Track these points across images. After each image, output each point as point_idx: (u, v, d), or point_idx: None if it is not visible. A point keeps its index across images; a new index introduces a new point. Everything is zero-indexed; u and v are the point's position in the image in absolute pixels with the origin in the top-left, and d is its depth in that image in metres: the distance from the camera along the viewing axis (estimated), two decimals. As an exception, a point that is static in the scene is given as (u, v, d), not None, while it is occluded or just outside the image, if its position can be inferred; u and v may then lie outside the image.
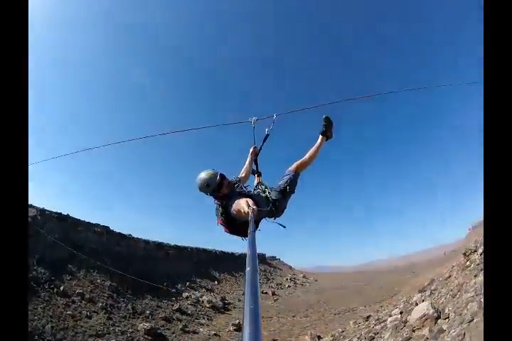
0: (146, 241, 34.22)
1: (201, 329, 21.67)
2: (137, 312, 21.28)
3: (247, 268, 1.01)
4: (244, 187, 3.73)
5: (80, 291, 20.02)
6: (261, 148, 4.45)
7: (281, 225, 3.52)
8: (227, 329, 22.13)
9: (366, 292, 38.10)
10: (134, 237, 32.80)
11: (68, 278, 20.86)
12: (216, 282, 37.33)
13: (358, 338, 15.78)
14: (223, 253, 47.97)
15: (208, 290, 33.60)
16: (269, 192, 3.75)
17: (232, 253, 49.57)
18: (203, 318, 24.74)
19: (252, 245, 1.28)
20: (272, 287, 43.87)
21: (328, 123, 4.22)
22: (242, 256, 48.19)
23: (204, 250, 44.12)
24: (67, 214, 26.75)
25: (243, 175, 4.31)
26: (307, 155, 4.06)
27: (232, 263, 45.13)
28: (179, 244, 39.45)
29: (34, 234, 21.55)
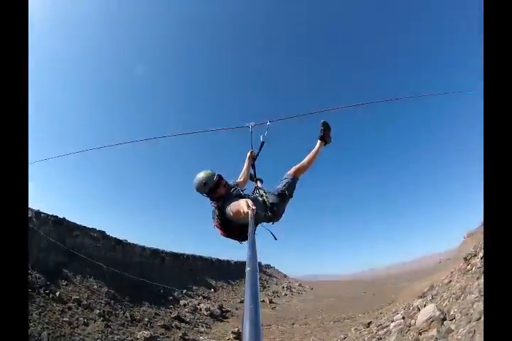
0: (142, 248, 33.68)
1: (201, 338, 21.19)
2: (135, 320, 20.69)
3: (247, 269, 1.03)
4: (242, 190, 3.69)
5: (77, 297, 19.39)
6: (258, 154, 4.43)
7: (274, 236, 3.46)
8: (227, 338, 21.72)
9: (363, 300, 38.10)
10: (130, 243, 32.23)
11: (64, 284, 20.29)
12: (212, 290, 36.73)
13: (362, 344, 15.69)
14: (219, 260, 47.47)
15: (204, 297, 33.00)
16: (266, 197, 3.71)
17: (228, 261, 49.10)
18: (202, 326, 24.24)
19: (252, 245, 1.29)
20: (268, 295, 43.31)
21: (326, 128, 4.25)
22: (238, 264, 47.97)
23: (200, 257, 43.51)
24: (64, 218, 26.14)
25: (241, 179, 4.30)
26: (305, 160, 4.08)
27: (228, 271, 44.69)
28: (175, 251, 38.96)
29: (29, 237, 21.23)
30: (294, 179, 3.92)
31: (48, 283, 19.15)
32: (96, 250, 26.91)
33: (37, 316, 15.66)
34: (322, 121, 4.27)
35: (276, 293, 47.56)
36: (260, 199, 3.66)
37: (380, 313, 25.70)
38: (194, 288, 34.33)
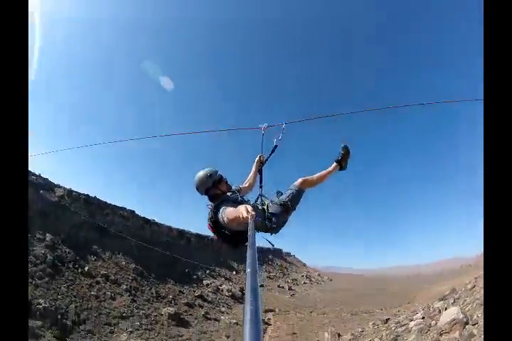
0: (169, 228, 34.51)
1: (222, 317, 21.68)
2: (160, 296, 21.39)
3: (248, 270, 1.03)
4: (241, 197, 3.46)
5: (105, 272, 20.22)
6: (267, 159, 4.10)
7: (270, 243, 3.35)
8: (247, 319, 22.28)
9: (381, 296, 37.84)
10: (157, 223, 33.02)
11: (93, 259, 21.16)
12: (234, 272, 37.47)
13: (380, 339, 15.69)
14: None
15: (226, 279, 33.68)
16: (268, 206, 3.47)
17: (251, 246, 49.70)
18: (223, 306, 24.86)
19: (253, 247, 1.30)
20: (288, 282, 43.91)
21: (346, 153, 4.08)
22: (259, 250, 48.35)
23: (224, 240, 44.22)
24: (95, 196, 27.09)
25: (246, 185, 4.03)
26: (316, 176, 3.88)
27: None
28: (200, 233, 39.39)
29: (60, 214, 22.13)
30: (300, 191, 3.69)
31: (77, 258, 19.96)
32: (125, 228, 27.69)
33: (65, 289, 16.41)
34: (343, 145, 4.11)
35: (296, 280, 48.08)
36: (260, 207, 3.45)
37: (398, 311, 25.43)
38: (217, 269, 35.06)
